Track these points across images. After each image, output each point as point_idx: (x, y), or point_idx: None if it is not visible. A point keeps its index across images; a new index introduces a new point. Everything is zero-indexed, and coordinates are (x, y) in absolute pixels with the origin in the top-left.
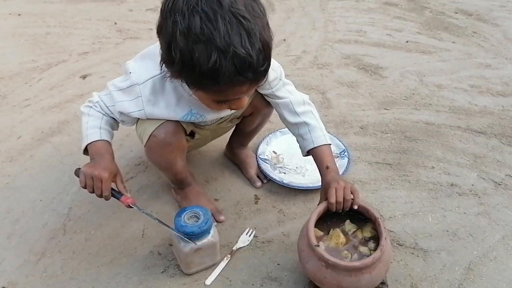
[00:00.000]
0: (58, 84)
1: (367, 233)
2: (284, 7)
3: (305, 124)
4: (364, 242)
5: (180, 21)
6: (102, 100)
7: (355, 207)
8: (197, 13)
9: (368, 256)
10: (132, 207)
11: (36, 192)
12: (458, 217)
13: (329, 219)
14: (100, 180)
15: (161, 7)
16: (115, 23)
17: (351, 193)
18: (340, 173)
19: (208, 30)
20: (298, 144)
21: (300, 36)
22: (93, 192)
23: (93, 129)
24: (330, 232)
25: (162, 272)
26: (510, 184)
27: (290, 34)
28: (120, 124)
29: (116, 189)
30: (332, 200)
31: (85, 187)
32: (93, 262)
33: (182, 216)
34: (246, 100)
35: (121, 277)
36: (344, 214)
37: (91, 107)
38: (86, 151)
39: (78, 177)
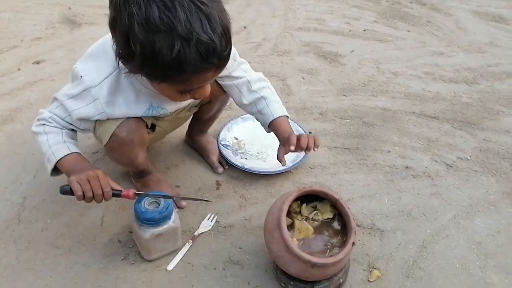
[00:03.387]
0: (9, 71)
1: (327, 214)
2: None
3: (263, 98)
4: (327, 224)
5: (136, 12)
6: (55, 114)
7: (316, 149)
8: (153, 2)
9: (334, 240)
10: (138, 197)
11: None
12: (413, 198)
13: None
14: (97, 178)
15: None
16: (69, 8)
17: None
18: (300, 158)
19: (168, 19)
20: (259, 122)
21: (260, 24)
22: (92, 196)
23: (57, 145)
24: (296, 225)
25: (122, 259)
26: (461, 166)
27: (250, 21)
28: (80, 133)
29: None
30: (294, 140)
31: (82, 196)
32: (50, 252)
33: (142, 202)
34: (209, 87)
35: (79, 266)
36: (299, 200)
37: (44, 124)
38: (54, 171)
39: (66, 193)
